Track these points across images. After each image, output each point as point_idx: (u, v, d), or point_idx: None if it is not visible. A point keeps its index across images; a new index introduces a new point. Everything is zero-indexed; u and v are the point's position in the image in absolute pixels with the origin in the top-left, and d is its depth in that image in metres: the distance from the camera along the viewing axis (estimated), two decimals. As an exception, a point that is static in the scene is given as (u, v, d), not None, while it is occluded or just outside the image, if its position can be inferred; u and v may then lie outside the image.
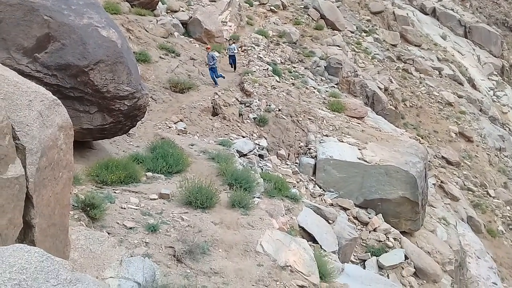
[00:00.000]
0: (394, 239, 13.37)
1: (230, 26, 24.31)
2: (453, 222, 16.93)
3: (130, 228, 7.30)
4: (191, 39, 21.47)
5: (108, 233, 6.66)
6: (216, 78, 17.91)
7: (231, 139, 14.37)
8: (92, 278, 2.68)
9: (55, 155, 3.97)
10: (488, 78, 34.78)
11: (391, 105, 25.25)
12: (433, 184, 20.26)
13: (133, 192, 8.93)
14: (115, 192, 8.66)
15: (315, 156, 15.34)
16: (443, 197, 19.86)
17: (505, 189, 22.95)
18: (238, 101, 16.47)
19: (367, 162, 14.79)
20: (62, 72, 8.93)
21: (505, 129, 29.09)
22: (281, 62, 21.85)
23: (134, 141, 12.32)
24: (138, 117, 10.69)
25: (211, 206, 8.87)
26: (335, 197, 14.46)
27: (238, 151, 13.51)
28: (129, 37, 17.25)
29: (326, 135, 16.31)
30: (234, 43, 21.08)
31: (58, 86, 8.87)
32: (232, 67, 20.20)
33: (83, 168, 9.21)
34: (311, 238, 11.02)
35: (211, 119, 15.36)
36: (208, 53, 18.20)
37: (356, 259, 12.54)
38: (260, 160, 14.49)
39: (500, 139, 26.61)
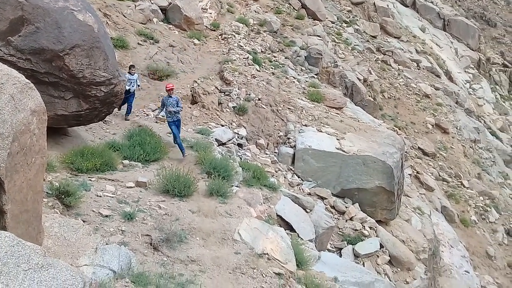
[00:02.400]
0: (370, 228, 13.58)
1: (211, 13, 24.03)
2: (428, 211, 17.29)
3: (106, 216, 7.22)
4: (170, 26, 21.13)
5: (83, 221, 6.57)
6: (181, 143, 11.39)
7: (210, 127, 14.28)
8: (64, 263, 2.63)
9: (28, 140, 3.87)
10: (465, 71, 35.41)
11: (369, 96, 25.47)
12: (409, 174, 20.61)
13: (109, 180, 8.82)
14: (90, 180, 8.54)
15: (294, 146, 15.39)
16: (418, 187, 20.23)
17: (478, 180, 23.53)
18: (218, 89, 16.34)
19: (345, 152, 14.93)
20: (36, 57, 8.70)
21: (480, 122, 29.75)
22: (261, 51, 21.75)
23: (110, 128, 12.13)
24: (115, 103, 10.53)
25: (188, 195, 8.84)
26: (313, 187, 14.56)
27: (217, 140, 13.45)
28: (106, 22, 16.88)
29: (305, 125, 16.38)
30: (132, 71, 13.47)
31: (32, 70, 8.64)
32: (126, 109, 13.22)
33: (58, 155, 9.04)
34: (289, 227, 11.11)
35: (190, 107, 15.22)
36: (169, 96, 11.46)
37: (333, 248, 12.71)
38: (239, 149, 14.47)
39: (475, 131, 27.21)
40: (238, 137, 15.08)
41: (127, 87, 12.25)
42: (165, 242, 6.95)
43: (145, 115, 13.95)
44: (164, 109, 11.43)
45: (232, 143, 14.39)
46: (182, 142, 11.37)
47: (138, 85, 13.80)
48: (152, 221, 7.52)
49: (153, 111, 14.29)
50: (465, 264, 17.88)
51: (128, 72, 13.23)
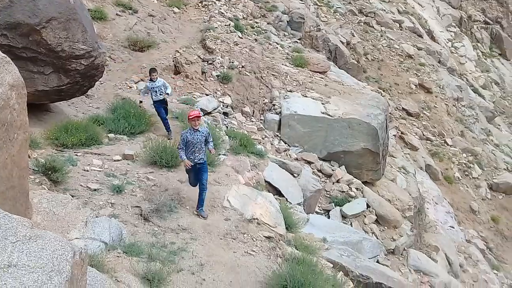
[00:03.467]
0: (357, 189, 13.85)
1: (189, -20, 23.38)
2: (412, 170, 17.63)
3: (95, 190, 7.25)
4: (149, -6, 20.59)
5: (72, 196, 6.59)
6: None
7: (194, 97, 14.20)
8: (52, 234, 2.68)
9: (8, 115, 3.83)
10: (447, 30, 35.33)
11: (353, 59, 25.38)
12: (393, 135, 20.87)
13: (95, 154, 8.80)
14: (76, 155, 8.51)
15: (280, 112, 15.42)
16: (403, 147, 20.53)
17: (461, 137, 23.94)
18: (200, 58, 16.15)
19: (331, 116, 15.02)
20: (12, 32, 8.47)
21: (462, 80, 29.95)
22: (243, 18, 21.37)
23: (93, 102, 11.99)
24: (96, 77, 10.37)
25: (176, 165, 8.88)
26: (299, 152, 14.71)
27: (202, 110, 13.40)
28: (82, -7, 16.37)
29: (290, 91, 16.36)
30: (153, 76, 10.54)
31: (9, 46, 8.42)
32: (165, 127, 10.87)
33: (42, 131, 8.95)
34: (277, 192, 11.29)
35: (173, 78, 15.06)
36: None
37: (321, 210, 12.97)
38: (225, 118, 14.46)
39: (458, 89, 27.44)
40: (223, 106, 15.04)
41: (154, 98, 10.33)
42: (155, 213, 7.03)
43: (128, 87, 13.78)
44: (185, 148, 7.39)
45: (217, 112, 14.36)
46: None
47: (168, 93, 10.42)
48: (141, 192, 7.58)
49: (136, 83, 14.08)
50: (449, 220, 18.42)
51: (149, 79, 10.44)
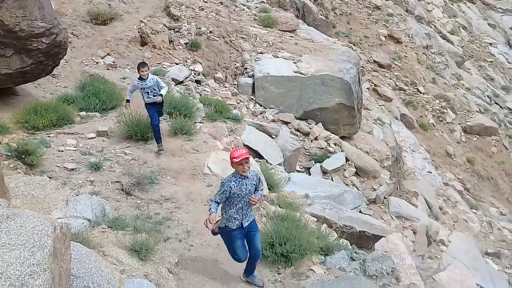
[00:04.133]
0: (335, 144, 14.04)
1: None
2: (388, 121, 17.90)
3: (72, 169, 7.16)
4: (105, -35, 19.74)
5: (49, 178, 6.50)
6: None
7: (164, 67, 13.95)
8: (31, 212, 2.66)
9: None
10: (413, -22, 35.15)
11: (321, 15, 25.12)
12: (367, 88, 21.03)
13: (68, 133, 8.65)
14: (49, 136, 8.35)
15: (253, 75, 15.32)
16: (377, 100, 20.75)
17: (433, 84, 24.27)
18: (167, 27, 15.75)
19: (303, 75, 15.00)
20: (-36, 15, 8.07)
21: (430, 27, 30.09)
22: (206, -19, 20.78)
23: (60, 81, 11.66)
24: (60, 54, 10.03)
25: (153, 137, 8.81)
26: (276, 113, 14.73)
27: (173, 79, 13.22)
28: (35, -31, 15.57)
29: (261, 53, 16.19)
30: (143, 73, 8.26)
31: (-37, 31, 8.06)
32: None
33: (10, 116, 8.71)
34: (257, 154, 11.37)
35: (140, 49, 14.69)
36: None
37: (301, 168, 13.15)
38: (198, 86, 14.30)
39: (427, 37, 27.60)
40: (194, 74, 14.84)
41: (146, 99, 8.14)
42: (137, 186, 7.02)
43: (95, 63, 13.41)
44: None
45: (189, 80, 14.18)
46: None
47: (162, 94, 8.11)
48: (120, 167, 7.53)
49: (102, 58, 13.66)
50: (427, 165, 18.94)
51: (138, 78, 8.13)
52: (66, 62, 12.62)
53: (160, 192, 7.04)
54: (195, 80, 14.50)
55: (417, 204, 14.61)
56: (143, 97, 8.20)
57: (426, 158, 19.18)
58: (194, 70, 14.98)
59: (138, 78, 8.08)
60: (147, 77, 8.06)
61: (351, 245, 6.82)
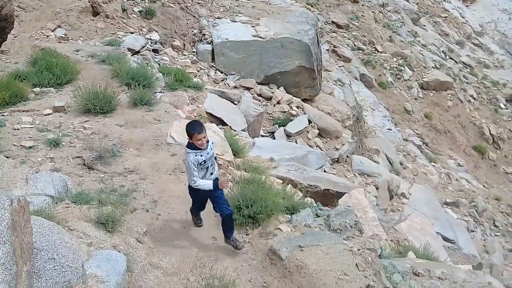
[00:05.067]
0: (297, 107, 14.19)
1: None
2: (348, 81, 18.16)
3: (30, 147, 6.96)
4: None
5: (7, 157, 6.31)
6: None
7: (119, 37, 13.52)
8: (-15, 190, 2.60)
9: None
10: None
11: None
12: (326, 49, 21.14)
13: (23, 111, 8.34)
14: (3, 115, 8.04)
15: (211, 42, 15.10)
16: (337, 61, 20.93)
17: (390, 43, 24.66)
18: (118, -6, 15.16)
19: (262, 38, 14.90)
20: None
21: (386, -15, 30.28)
22: None
23: (10, 58, 11.14)
24: (7, 29, 9.58)
25: (112, 110, 8.62)
26: (237, 79, 14.67)
27: (129, 49, 12.85)
28: None
29: (218, 18, 15.93)
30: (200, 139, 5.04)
31: None
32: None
33: (-42, 96, 8.30)
34: (220, 122, 11.35)
35: (92, 20, 14.14)
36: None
37: (266, 133, 13.27)
38: (155, 55, 13.99)
39: (383, -5, 27.82)
40: (151, 43, 14.48)
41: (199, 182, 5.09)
42: (99, 160, 6.91)
43: (45, 36, 12.84)
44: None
45: (146, 50, 13.84)
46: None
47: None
48: (80, 142, 7.37)
49: (52, 31, 13.08)
50: (387, 123, 19.48)
51: (190, 147, 5.07)
52: (15, 37, 12.04)
53: (123, 165, 6.97)
54: (152, 49, 14.16)
55: (379, 160, 15.10)
56: (193, 179, 5.04)
57: (386, 116, 19.70)
58: (150, 39, 14.60)
59: (192, 147, 5.01)
60: (207, 144, 5.11)
61: (316, 203, 7.04)
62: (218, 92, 12.40)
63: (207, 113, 11.29)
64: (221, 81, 14.40)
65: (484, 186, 18.96)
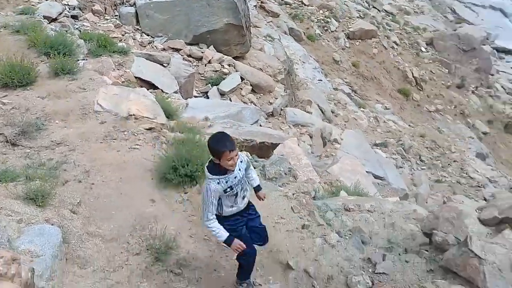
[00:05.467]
0: (229, 65, 14.13)
1: None
2: (277, 36, 18.24)
3: None
4: None
5: None
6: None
7: (32, 5, 12.55)
8: None
9: None
10: None
11: None
12: (254, 6, 20.96)
13: None
14: None
15: (134, 4, 14.53)
16: (265, 16, 20.86)
17: (316, -5, 24.89)
18: (25, -43, 13.96)
19: (188, -3, 14.48)
20: None
21: None
22: None
23: None
24: None
25: (32, 82, 8.15)
26: (165, 41, 14.29)
27: (45, 17, 12.02)
28: None
29: (138, -22, 15.20)
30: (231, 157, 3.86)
31: None
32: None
33: None
34: (151, 85, 11.10)
35: (-1, -12, 12.98)
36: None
37: (199, 93, 13.17)
38: (75, 22, 13.20)
39: None
40: (69, 9, 13.62)
41: (229, 208, 4.09)
42: (22, 135, 6.59)
43: None
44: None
45: (64, 16, 13.01)
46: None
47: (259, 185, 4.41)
48: (0, 119, 6.97)
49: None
50: (317, 74, 19.93)
51: (212, 170, 3.97)
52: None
53: (50, 138, 6.70)
54: (71, 16, 13.34)
55: (312, 111, 15.56)
56: (222, 207, 4.05)
57: (316, 68, 20.13)
58: (68, 4, 13.71)
59: (214, 171, 3.92)
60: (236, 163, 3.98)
61: (251, 155, 7.21)
62: (145, 56, 12.04)
63: (135, 77, 10.99)
64: (148, 44, 13.97)
65: (409, 125, 20.18)
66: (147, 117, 7.95)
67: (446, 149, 18.70)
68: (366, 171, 11.45)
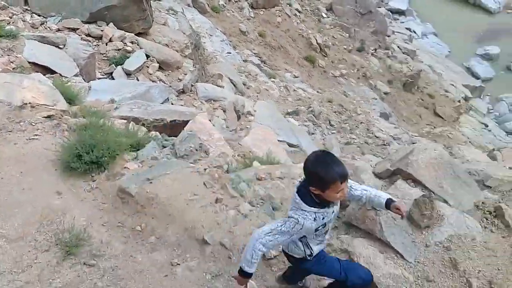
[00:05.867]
0: (132, 42, 13.56)
1: None
2: (180, 9, 17.77)
3: None
4: None
5: None
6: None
7: None
8: None
9: None
10: None
11: None
12: (154, -22, 20.14)
13: None
14: None
15: (18, -19, 13.24)
16: (166, -11, 20.17)
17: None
18: None
19: (79, -28, 13.53)
20: None
21: None
22: None
23: None
24: None
25: None
26: (59, 21, 13.32)
27: None
28: None
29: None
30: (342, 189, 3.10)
31: None
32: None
33: None
34: (47, 70, 10.36)
35: None
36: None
37: (103, 75, 12.53)
38: (-50, 4, 11.85)
39: None
40: None
41: (317, 246, 3.36)
42: None
43: None
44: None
45: None
46: None
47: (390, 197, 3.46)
48: None
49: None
50: (226, 47, 19.87)
51: (301, 198, 3.08)
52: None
53: None
54: None
55: (223, 84, 15.56)
56: (309, 246, 3.30)
57: (224, 40, 20.04)
58: None
59: (312, 203, 3.06)
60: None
61: (161, 134, 7.10)
62: (38, 38, 11.17)
63: (29, 62, 10.18)
64: (41, 25, 12.92)
65: (317, 91, 21.00)
66: (44, 105, 7.46)
67: (352, 111, 19.78)
68: (280, 140, 11.81)
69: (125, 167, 5.60)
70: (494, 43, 34.55)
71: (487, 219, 4.34)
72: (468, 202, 4.49)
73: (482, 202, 4.53)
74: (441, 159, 4.74)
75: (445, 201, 4.42)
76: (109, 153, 5.54)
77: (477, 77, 32.07)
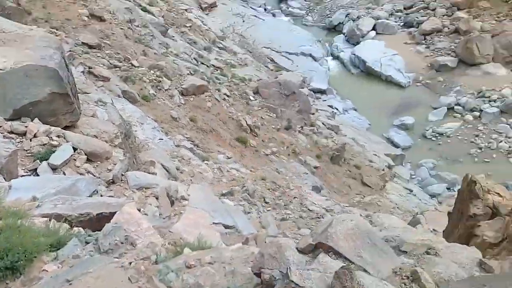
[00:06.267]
0: (58, 136, 13.34)
1: None
2: (110, 100, 17.95)
3: None
4: None
5: None
6: None
7: None
8: None
9: None
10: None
11: (11, 2, 22.65)
12: (82, 72, 20.44)
13: None
14: None
15: None
16: (95, 82, 20.46)
17: (145, 56, 25.34)
18: None
19: (1, 70, 13.44)
20: None
21: (130, 1, 30.85)
22: None
23: None
24: None
25: None
26: (-21, 119, 12.93)
27: None
28: None
29: None
30: None
31: None
32: None
33: None
34: (-37, 172, 9.88)
35: None
36: None
37: (27, 172, 12.09)
38: None
39: (128, 11, 28.20)
40: None
41: None
42: None
43: None
44: None
45: None
46: None
47: None
48: None
49: None
50: (157, 134, 20.07)
51: None
52: None
53: None
54: None
55: (156, 171, 15.49)
56: None
57: (155, 127, 20.28)
58: None
59: None
60: None
61: (85, 230, 6.87)
62: (-46, 139, 10.73)
63: None
64: (-42, 125, 12.48)
65: (251, 170, 21.46)
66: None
67: (285, 187, 20.28)
68: (216, 223, 11.74)
69: (43, 270, 5.32)
70: (408, 113, 37.84)
71: (405, 284, 4.55)
72: (386, 269, 4.70)
73: (400, 268, 4.77)
74: (358, 229, 5.00)
75: (365, 270, 4.60)
76: (25, 256, 5.26)
77: (397, 146, 34.58)
